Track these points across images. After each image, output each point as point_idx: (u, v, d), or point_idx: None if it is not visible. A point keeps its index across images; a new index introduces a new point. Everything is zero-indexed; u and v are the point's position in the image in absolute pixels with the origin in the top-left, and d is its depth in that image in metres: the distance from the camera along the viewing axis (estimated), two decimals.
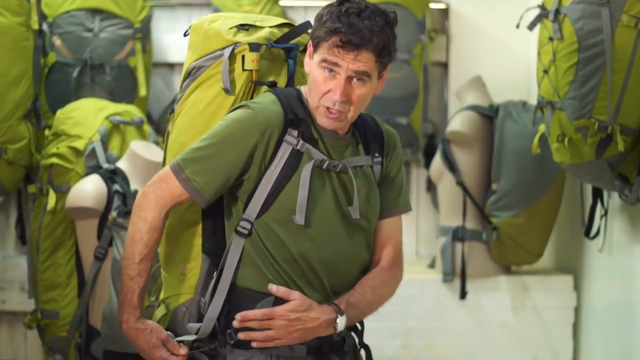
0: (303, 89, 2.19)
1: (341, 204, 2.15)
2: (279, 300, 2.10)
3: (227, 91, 2.18)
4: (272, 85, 2.22)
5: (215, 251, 2.20)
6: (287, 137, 2.11)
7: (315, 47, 2.11)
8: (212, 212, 2.20)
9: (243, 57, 2.19)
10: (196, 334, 2.14)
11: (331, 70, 2.08)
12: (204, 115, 2.19)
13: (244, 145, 2.10)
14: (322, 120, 2.12)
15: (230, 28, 2.22)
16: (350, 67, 2.07)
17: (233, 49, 2.18)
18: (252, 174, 2.12)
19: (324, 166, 2.12)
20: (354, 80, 2.09)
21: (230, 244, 2.14)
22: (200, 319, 2.16)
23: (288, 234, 2.10)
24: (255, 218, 2.11)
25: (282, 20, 2.31)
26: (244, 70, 2.19)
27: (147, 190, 2.13)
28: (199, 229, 2.20)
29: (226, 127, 2.12)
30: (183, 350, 2.12)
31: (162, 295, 2.26)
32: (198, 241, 2.20)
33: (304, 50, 2.19)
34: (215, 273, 2.17)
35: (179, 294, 2.20)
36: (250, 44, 2.19)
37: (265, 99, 2.15)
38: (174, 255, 2.23)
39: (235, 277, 2.13)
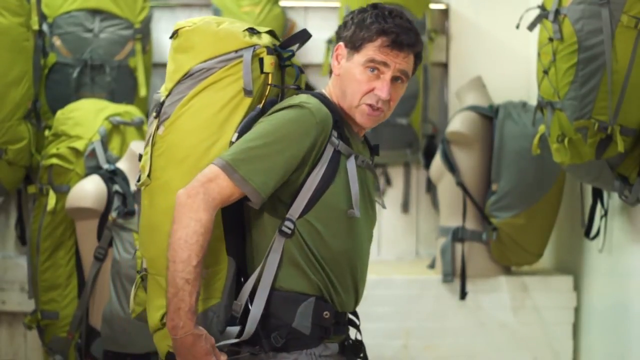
0: (326, 92, 2.25)
1: (366, 201, 2.22)
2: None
3: (250, 93, 2.15)
4: (298, 89, 2.24)
5: (238, 254, 2.18)
6: (332, 138, 2.15)
7: (358, 48, 2.18)
8: (232, 215, 2.17)
9: (261, 59, 2.17)
10: (236, 337, 2.11)
11: (374, 70, 2.16)
12: (219, 117, 2.15)
13: (302, 144, 2.10)
14: (362, 118, 2.20)
15: (243, 30, 2.20)
16: (397, 66, 2.17)
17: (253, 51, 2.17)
18: (300, 173, 2.12)
19: (358, 163, 2.19)
20: (396, 80, 2.19)
21: (272, 244, 2.12)
22: (231, 323, 2.13)
23: (330, 232, 2.13)
24: (297, 218, 2.12)
25: (266, 28, 2.30)
26: (262, 73, 2.17)
27: (195, 191, 2.05)
28: (221, 232, 2.15)
29: (282, 127, 2.10)
30: (224, 357, 2.08)
31: None
32: (221, 245, 2.15)
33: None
34: (245, 275, 2.17)
35: (205, 298, 2.14)
36: (267, 47, 2.18)
37: (311, 100, 2.15)
38: None
39: (275, 279, 2.12)
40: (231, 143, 2.13)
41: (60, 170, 3.51)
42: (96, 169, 3.48)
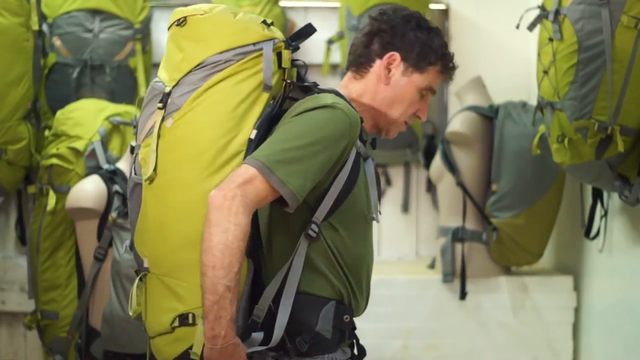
0: (341, 90, 2.24)
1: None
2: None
3: (269, 88, 2.09)
4: (316, 86, 2.19)
5: (255, 256, 2.11)
6: (357, 140, 2.12)
7: (422, 69, 2.22)
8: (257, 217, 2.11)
9: (279, 54, 2.11)
10: (262, 344, 2.05)
11: (425, 94, 2.26)
12: (237, 112, 2.05)
13: (338, 147, 2.05)
14: (394, 132, 2.27)
15: (260, 22, 2.13)
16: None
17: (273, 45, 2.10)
18: (329, 176, 2.08)
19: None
20: None
21: (297, 248, 2.07)
22: (251, 328, 2.06)
23: (351, 236, 2.12)
24: (322, 221, 2.08)
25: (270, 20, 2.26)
26: (280, 67, 2.11)
27: (231, 193, 1.95)
28: None
29: (319, 128, 2.04)
30: None
31: (188, 306, 2.03)
32: None
33: None
34: (260, 278, 2.12)
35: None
36: (285, 41, 2.12)
37: (340, 100, 2.11)
38: (187, 258, 2.04)
39: (298, 283, 2.08)
40: (250, 140, 2.05)
41: (60, 170, 3.51)
42: (96, 169, 3.48)
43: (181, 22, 2.13)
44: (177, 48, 2.13)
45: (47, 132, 3.70)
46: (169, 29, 2.17)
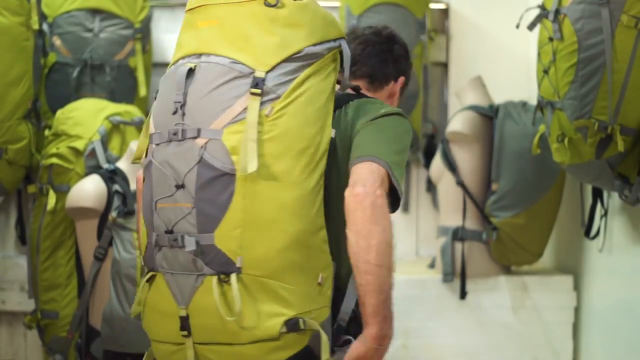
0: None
1: None
2: None
3: (346, 86, 2.10)
4: (358, 90, 2.24)
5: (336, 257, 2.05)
6: None
7: (405, 76, 2.45)
8: (328, 216, 2.02)
9: (340, 52, 2.08)
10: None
11: None
12: (325, 109, 2.01)
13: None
14: None
15: None
16: None
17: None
18: None
19: None
20: None
21: None
22: (337, 331, 2.02)
23: None
24: None
25: None
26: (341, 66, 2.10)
27: (380, 191, 1.93)
28: (325, 233, 1.99)
29: (405, 135, 2.10)
30: None
31: (296, 310, 1.94)
32: (326, 247, 1.99)
33: None
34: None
35: (322, 308, 1.98)
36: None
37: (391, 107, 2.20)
38: (305, 262, 1.95)
39: None
40: (331, 139, 2.01)
41: (60, 169, 3.51)
42: (96, 169, 3.48)
43: (275, 4, 1.99)
44: (267, 30, 1.99)
45: (47, 132, 3.70)
46: (234, 3, 2.02)
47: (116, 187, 3.37)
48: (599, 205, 3.63)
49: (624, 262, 3.61)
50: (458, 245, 4.04)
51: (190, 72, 1.98)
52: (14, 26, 3.35)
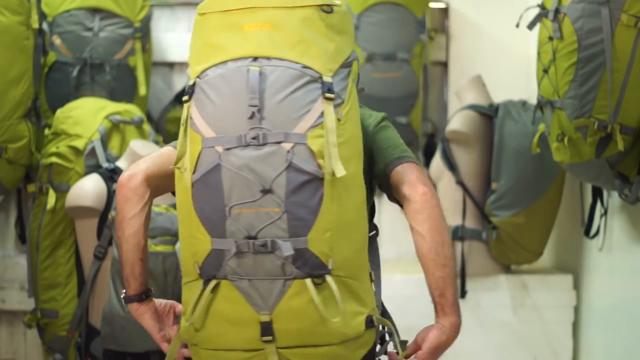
0: None
1: None
2: None
3: (362, 90, 2.17)
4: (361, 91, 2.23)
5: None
6: None
7: None
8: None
9: None
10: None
11: None
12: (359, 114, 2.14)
13: None
14: None
15: None
16: None
17: None
18: None
19: None
20: None
21: (375, 244, 2.15)
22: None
23: None
24: None
25: None
26: None
27: (433, 190, 2.08)
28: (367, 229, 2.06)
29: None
30: None
31: (369, 308, 2.02)
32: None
33: None
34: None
35: (376, 306, 2.07)
36: None
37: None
38: (366, 261, 2.03)
39: None
40: None
41: (60, 169, 3.51)
42: (96, 168, 3.49)
43: (329, 10, 2.00)
44: (322, 35, 1.99)
45: (47, 131, 3.70)
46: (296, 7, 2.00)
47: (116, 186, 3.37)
48: (598, 204, 3.63)
49: (624, 261, 3.61)
50: (458, 245, 4.04)
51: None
52: (14, 25, 3.35)
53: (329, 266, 1.92)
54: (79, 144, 3.52)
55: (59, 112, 3.67)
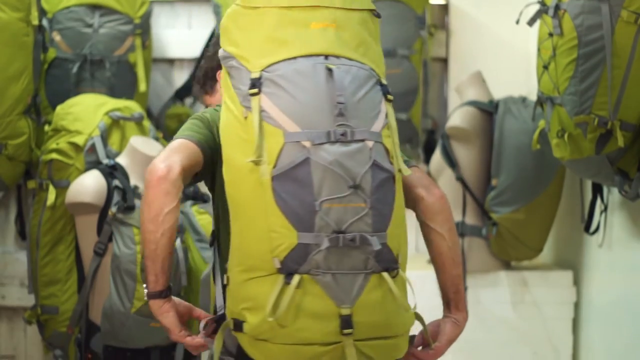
0: None
1: None
2: None
3: None
4: None
5: None
6: None
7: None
8: None
9: None
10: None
11: None
12: None
13: None
14: None
15: None
16: None
17: None
18: None
19: None
20: None
21: None
22: None
23: None
24: None
25: None
26: None
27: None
28: None
29: None
30: None
31: (407, 300, 2.07)
32: None
33: None
34: None
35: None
36: None
37: None
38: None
39: None
40: None
41: (60, 165, 3.51)
42: (96, 164, 3.49)
43: (378, 15, 2.11)
44: (374, 38, 2.09)
45: (47, 127, 3.70)
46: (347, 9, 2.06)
47: (116, 182, 3.37)
48: (598, 201, 3.63)
49: (624, 258, 3.61)
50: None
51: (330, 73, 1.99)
52: (14, 22, 3.35)
53: (398, 260, 2.00)
54: (79, 140, 3.52)
55: (58, 108, 3.67)
